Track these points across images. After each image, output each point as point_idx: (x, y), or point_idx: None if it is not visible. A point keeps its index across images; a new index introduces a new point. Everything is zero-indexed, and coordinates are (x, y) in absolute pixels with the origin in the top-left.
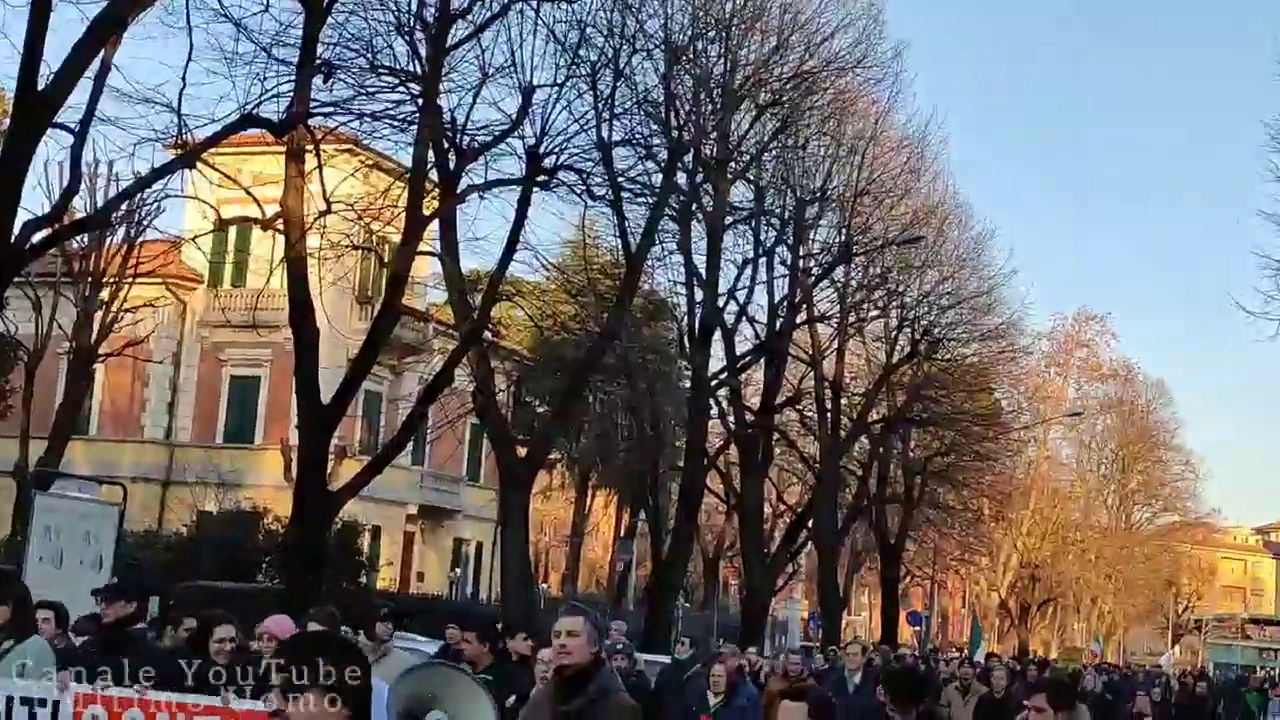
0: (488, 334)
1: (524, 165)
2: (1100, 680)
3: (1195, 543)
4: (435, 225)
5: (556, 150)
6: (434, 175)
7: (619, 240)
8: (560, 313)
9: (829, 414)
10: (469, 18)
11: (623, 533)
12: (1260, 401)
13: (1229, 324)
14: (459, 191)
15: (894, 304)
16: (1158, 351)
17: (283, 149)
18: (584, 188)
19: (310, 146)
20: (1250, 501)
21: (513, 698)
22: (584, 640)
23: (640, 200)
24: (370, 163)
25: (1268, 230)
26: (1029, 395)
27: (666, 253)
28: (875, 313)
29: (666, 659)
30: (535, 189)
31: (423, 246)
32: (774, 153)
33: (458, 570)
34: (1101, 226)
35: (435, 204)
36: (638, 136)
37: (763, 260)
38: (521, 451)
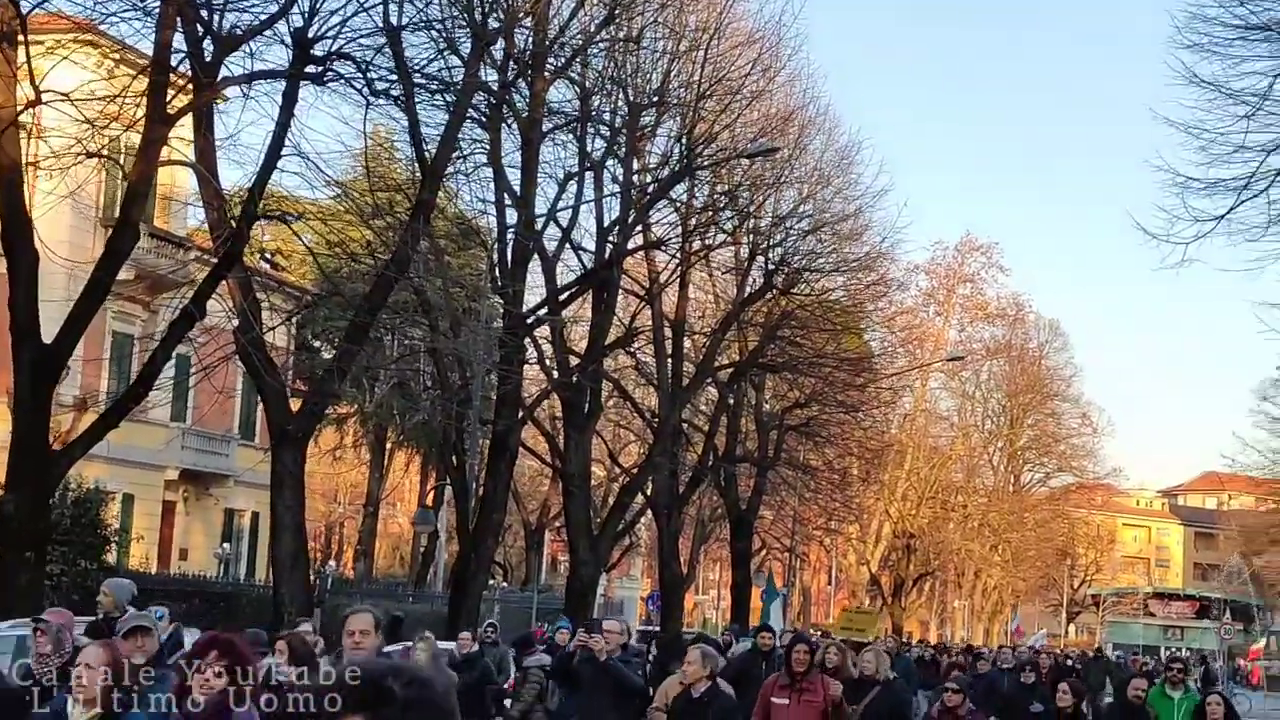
0: (263, 262)
1: (291, 53)
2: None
3: (1093, 507)
4: (189, 131)
5: (331, 35)
6: (188, 70)
7: (413, 148)
8: (351, 239)
9: (669, 359)
10: None
11: (429, 500)
12: (1167, 345)
13: (1131, 254)
14: (215, 86)
15: (745, 228)
16: (1053, 287)
17: None
18: (364, 81)
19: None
20: (1156, 461)
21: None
22: None
23: (439, 101)
24: (113, 53)
25: (1173, 140)
26: (903, 338)
27: (475, 166)
28: (724, 238)
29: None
30: (306, 83)
31: (177, 156)
32: (601, 47)
33: (226, 546)
34: (990, 143)
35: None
36: (434, 21)
37: (589, 175)
38: (297, 403)
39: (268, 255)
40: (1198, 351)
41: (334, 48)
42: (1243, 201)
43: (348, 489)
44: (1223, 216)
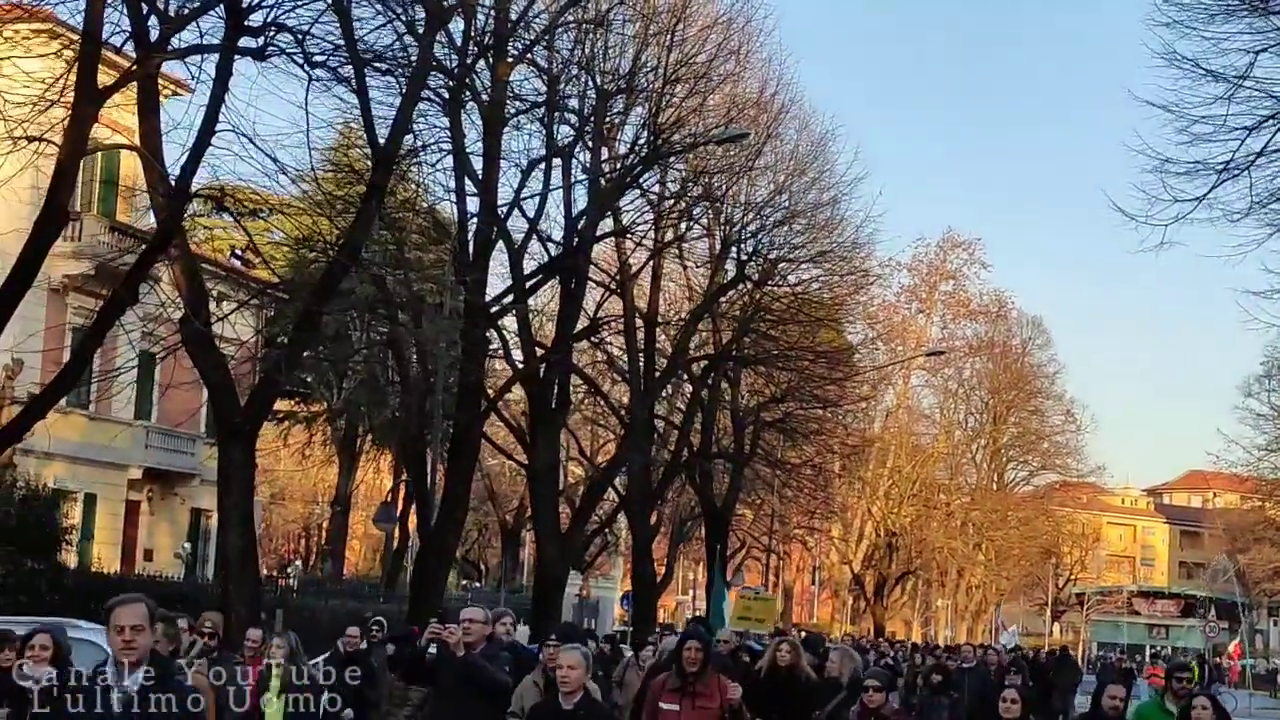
0: (233, 258)
1: (225, 24)
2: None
3: (1078, 505)
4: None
5: (270, 4)
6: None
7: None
8: (322, 232)
9: (640, 352)
10: None
11: (399, 497)
12: (1151, 340)
13: (1114, 250)
14: (149, 61)
15: (718, 219)
16: (1035, 283)
17: None
18: (302, 55)
19: None
20: (1140, 459)
21: None
22: None
23: (394, 83)
24: (71, 43)
25: (1153, 122)
26: (883, 332)
27: (438, 156)
28: (696, 230)
29: None
30: (242, 57)
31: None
32: (568, 29)
33: (187, 546)
34: (966, 134)
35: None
36: None
37: (557, 163)
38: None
39: (239, 251)
40: (1182, 347)
41: (271, 17)
42: (1223, 182)
43: (326, 490)
44: (1203, 197)
